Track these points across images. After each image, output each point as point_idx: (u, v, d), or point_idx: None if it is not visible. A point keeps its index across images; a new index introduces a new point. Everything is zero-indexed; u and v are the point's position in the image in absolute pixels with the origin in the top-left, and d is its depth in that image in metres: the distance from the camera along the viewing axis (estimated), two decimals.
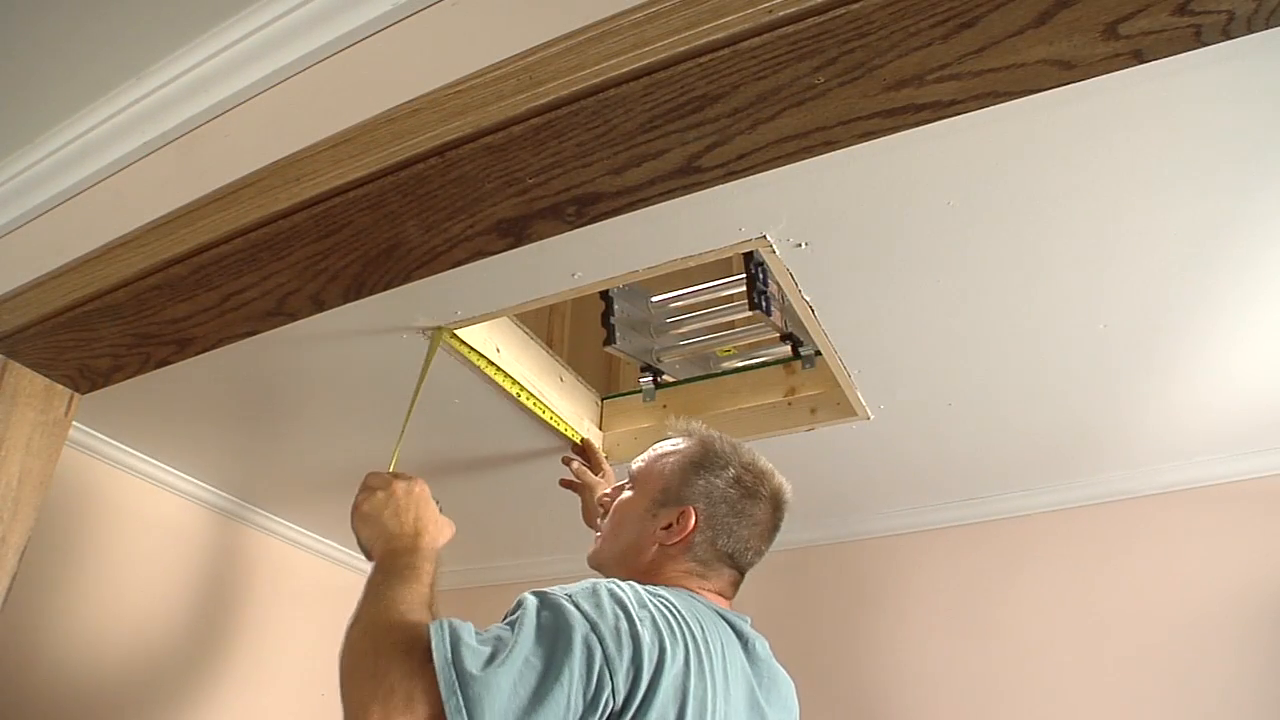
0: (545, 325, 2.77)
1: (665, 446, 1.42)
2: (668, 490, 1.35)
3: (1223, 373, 1.70)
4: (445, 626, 0.99)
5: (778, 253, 1.37)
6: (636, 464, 1.44)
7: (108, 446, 2.10)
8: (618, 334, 2.06)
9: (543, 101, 0.88)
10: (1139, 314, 1.53)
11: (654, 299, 2.21)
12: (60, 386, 1.42)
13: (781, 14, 0.82)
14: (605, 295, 2.05)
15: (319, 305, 1.17)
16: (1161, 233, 1.34)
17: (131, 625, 2.14)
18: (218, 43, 1.09)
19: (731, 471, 1.36)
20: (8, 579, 1.34)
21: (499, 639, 1.00)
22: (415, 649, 0.98)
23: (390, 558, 1.16)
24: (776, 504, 1.39)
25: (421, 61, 0.94)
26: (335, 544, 2.70)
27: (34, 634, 1.91)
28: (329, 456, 2.14)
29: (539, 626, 1.02)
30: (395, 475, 1.29)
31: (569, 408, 2.09)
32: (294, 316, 1.19)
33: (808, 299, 1.50)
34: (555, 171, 0.95)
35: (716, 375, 2.17)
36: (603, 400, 2.27)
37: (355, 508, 1.26)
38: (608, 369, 2.83)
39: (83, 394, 1.46)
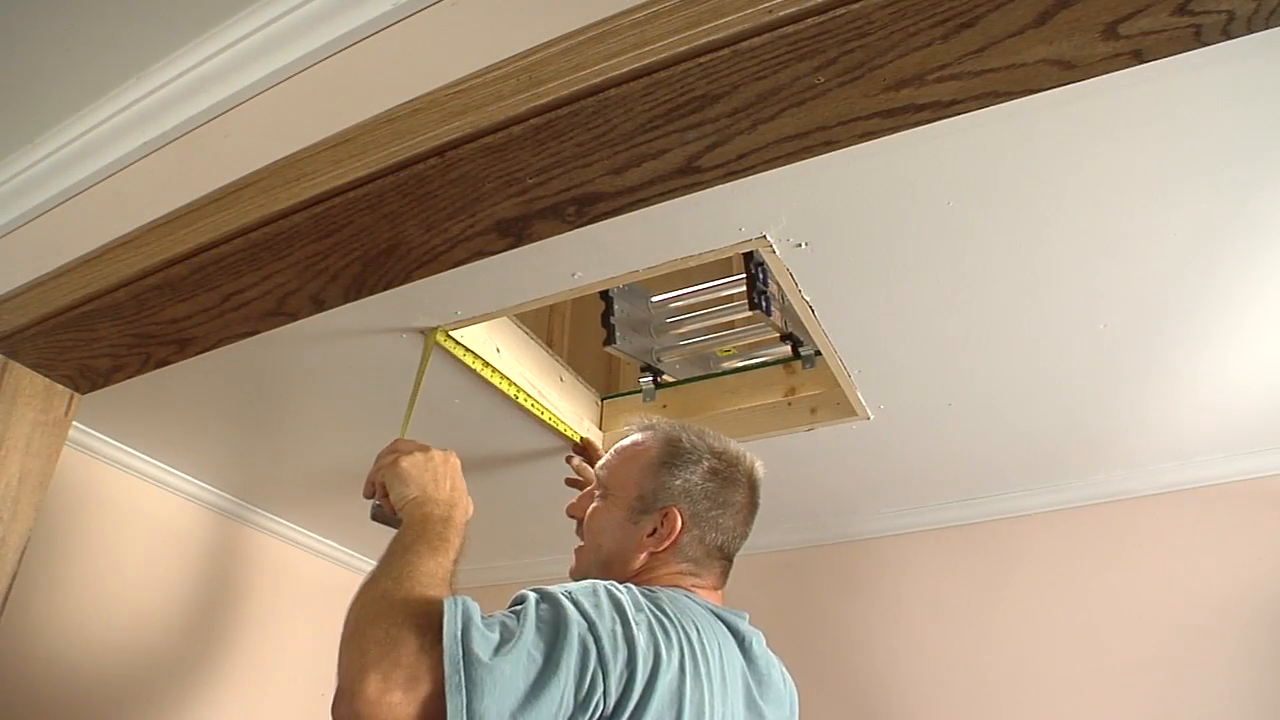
0: (545, 325, 2.76)
1: (628, 447, 1.39)
2: (644, 496, 1.32)
3: (1223, 372, 1.70)
4: (459, 605, 0.98)
5: (778, 253, 1.36)
6: (601, 470, 1.42)
7: (108, 446, 2.10)
8: (618, 334, 2.05)
9: (543, 101, 0.87)
10: (1138, 314, 1.53)
11: (654, 299, 2.20)
12: (60, 386, 1.42)
13: (781, 14, 0.82)
14: (605, 295, 2.05)
15: (319, 305, 1.17)
16: (1161, 233, 1.34)
17: (131, 625, 2.14)
18: (217, 43, 1.08)
19: (705, 463, 1.34)
20: (8, 579, 1.34)
21: (505, 626, 1.00)
22: (430, 626, 0.96)
23: (424, 523, 1.16)
24: (753, 485, 1.38)
25: (421, 61, 0.94)
26: (335, 544, 2.70)
27: (34, 634, 1.91)
28: (329, 457, 2.14)
29: (539, 619, 1.01)
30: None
31: (569, 408, 2.09)
32: (294, 316, 1.19)
33: (808, 299, 1.50)
34: (555, 171, 0.94)
35: (716, 375, 2.17)
36: (603, 400, 2.27)
37: (391, 464, 1.25)
38: (608, 369, 2.83)
39: (83, 394, 1.46)
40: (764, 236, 1.32)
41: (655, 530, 1.30)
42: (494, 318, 1.64)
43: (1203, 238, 1.35)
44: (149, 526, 2.21)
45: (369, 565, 1.16)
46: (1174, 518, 2.06)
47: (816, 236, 1.33)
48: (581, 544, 1.40)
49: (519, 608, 1.04)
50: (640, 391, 2.21)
